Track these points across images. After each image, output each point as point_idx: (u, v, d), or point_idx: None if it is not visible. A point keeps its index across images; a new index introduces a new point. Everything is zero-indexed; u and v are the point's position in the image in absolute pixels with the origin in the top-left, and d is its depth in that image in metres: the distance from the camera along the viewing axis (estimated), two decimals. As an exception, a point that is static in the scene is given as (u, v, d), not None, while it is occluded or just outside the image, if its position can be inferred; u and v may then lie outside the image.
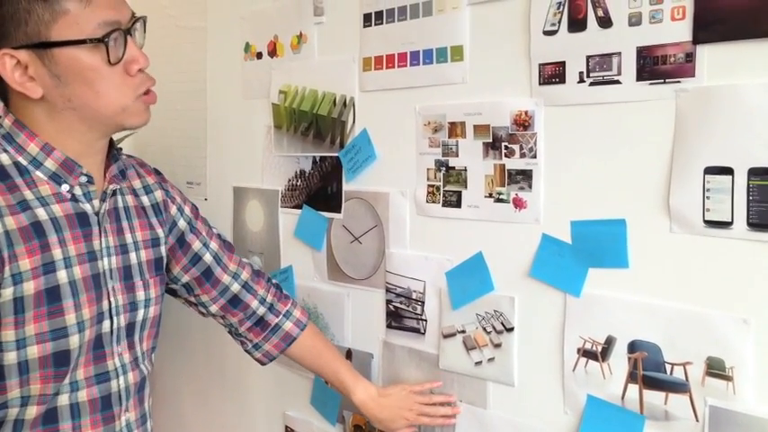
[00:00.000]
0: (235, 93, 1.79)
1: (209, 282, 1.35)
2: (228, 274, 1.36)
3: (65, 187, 1.07)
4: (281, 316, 1.41)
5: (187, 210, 1.34)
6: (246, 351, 1.44)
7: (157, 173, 1.33)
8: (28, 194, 1.03)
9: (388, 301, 1.47)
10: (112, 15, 1.03)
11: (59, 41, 1.00)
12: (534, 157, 1.21)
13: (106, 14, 1.02)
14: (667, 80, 1.04)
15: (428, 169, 1.37)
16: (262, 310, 1.40)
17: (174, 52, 1.96)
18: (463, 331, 1.34)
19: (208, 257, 1.34)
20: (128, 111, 1.07)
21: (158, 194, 1.27)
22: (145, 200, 1.24)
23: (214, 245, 1.36)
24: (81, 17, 1.00)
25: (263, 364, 1.45)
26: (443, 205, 1.35)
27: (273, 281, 1.45)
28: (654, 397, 1.09)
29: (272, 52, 1.67)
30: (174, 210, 1.30)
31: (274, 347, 1.41)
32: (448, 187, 1.34)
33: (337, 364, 1.43)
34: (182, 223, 1.31)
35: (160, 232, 1.24)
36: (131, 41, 1.06)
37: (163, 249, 1.25)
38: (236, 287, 1.37)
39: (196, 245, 1.33)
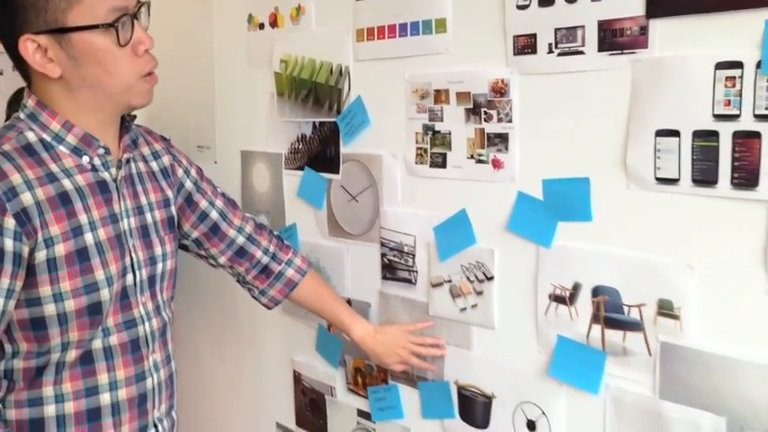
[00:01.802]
0: (240, 62, 1.90)
1: (217, 236, 1.49)
2: (234, 228, 1.51)
3: (85, 159, 1.21)
4: (283, 264, 1.55)
5: (193, 172, 1.47)
6: (254, 297, 1.59)
7: (164, 139, 1.46)
8: (53, 167, 1.17)
9: (383, 255, 1.60)
10: (120, 2, 1.15)
11: (75, 27, 1.13)
12: (510, 121, 1.32)
13: (115, 1, 1.15)
14: (624, 51, 1.15)
15: (416, 133, 1.49)
16: (266, 260, 1.54)
17: (182, 23, 2.06)
18: (449, 281, 1.47)
19: (214, 214, 1.48)
20: (132, 90, 1.20)
21: (166, 159, 1.41)
22: (154, 165, 1.38)
23: (219, 203, 1.50)
24: (93, 4, 1.13)
25: (269, 308, 1.60)
26: (430, 166, 1.47)
27: (275, 233, 1.59)
28: (614, 335, 1.23)
29: (273, 23, 1.78)
30: (180, 172, 1.44)
31: (279, 293, 1.56)
32: (434, 150, 1.46)
33: (337, 305, 1.58)
34: (188, 184, 1.45)
35: (170, 193, 1.39)
36: (138, 25, 1.18)
37: (173, 209, 1.39)
38: (241, 240, 1.51)
39: (203, 203, 1.47)
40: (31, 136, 1.18)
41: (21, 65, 1.18)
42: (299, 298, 1.58)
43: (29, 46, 1.13)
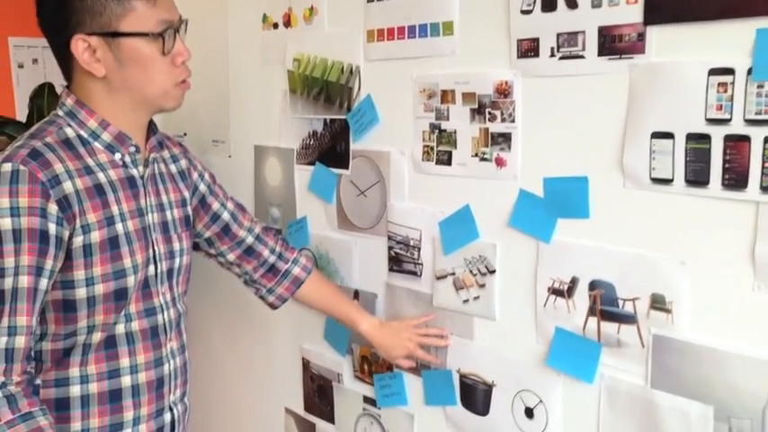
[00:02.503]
0: (254, 60, 1.96)
1: (228, 236, 1.57)
2: (244, 229, 1.59)
3: (117, 155, 1.29)
4: (289, 263, 1.63)
5: (207, 176, 1.56)
6: (260, 296, 1.66)
7: (180, 145, 1.55)
8: (90, 161, 1.25)
9: (390, 248, 1.66)
10: (169, 15, 1.26)
11: (127, 32, 1.22)
12: (513, 121, 1.38)
13: (164, 14, 1.25)
14: (623, 56, 1.20)
15: (423, 131, 1.54)
16: (272, 259, 1.61)
17: (198, 21, 2.11)
18: (453, 273, 1.53)
19: (226, 216, 1.56)
20: (167, 94, 1.30)
21: (183, 163, 1.50)
22: (173, 167, 1.46)
23: (230, 205, 1.59)
24: (146, 14, 1.23)
25: (275, 307, 1.67)
26: (436, 163, 1.53)
27: (280, 235, 1.67)
28: (609, 327, 1.28)
29: (287, 23, 1.84)
30: (195, 176, 1.52)
31: (286, 290, 1.63)
32: (440, 147, 1.52)
33: (343, 301, 1.65)
34: (202, 187, 1.53)
35: (186, 194, 1.47)
36: (179, 38, 1.28)
37: (189, 209, 1.48)
38: (250, 239, 1.59)
39: (215, 205, 1.55)
40: (69, 132, 1.26)
41: (65, 61, 1.27)
42: (305, 295, 1.65)
43: (80, 45, 1.22)
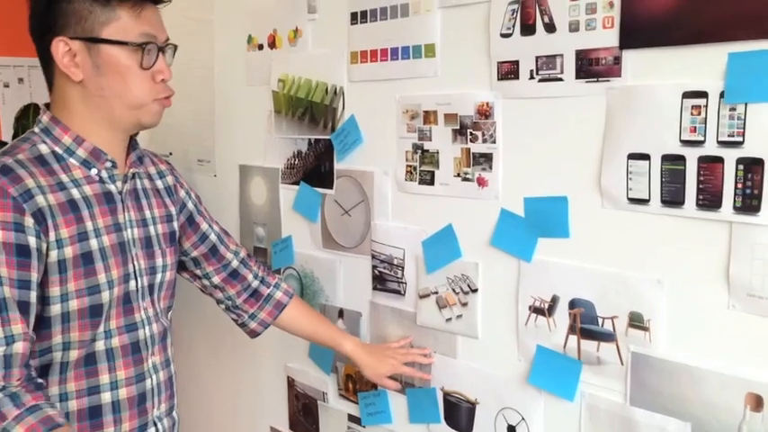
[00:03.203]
0: (239, 80, 1.98)
1: (215, 257, 1.58)
2: (230, 252, 1.60)
3: (93, 171, 1.29)
4: (271, 287, 1.63)
5: (193, 195, 1.57)
6: (241, 324, 1.65)
7: (167, 163, 1.55)
8: (63, 177, 1.25)
9: (374, 267, 1.67)
10: (152, 30, 1.28)
11: (108, 39, 1.24)
12: (494, 142, 1.40)
13: (147, 28, 1.27)
14: (599, 79, 1.23)
15: (406, 151, 1.56)
16: (255, 283, 1.62)
17: (184, 41, 2.13)
18: (436, 292, 1.54)
19: (213, 237, 1.57)
20: (144, 108, 1.30)
21: (170, 179, 1.50)
22: (159, 183, 1.46)
23: (216, 228, 1.60)
24: (129, 25, 1.25)
25: (256, 334, 1.65)
26: (419, 183, 1.55)
27: (261, 261, 1.68)
28: (589, 345, 1.30)
29: (272, 44, 1.86)
30: (182, 193, 1.53)
31: (268, 315, 1.62)
32: (423, 167, 1.54)
33: (327, 324, 1.66)
34: (190, 205, 1.54)
35: (173, 210, 1.47)
36: (162, 57, 1.30)
37: (175, 224, 1.48)
38: (235, 263, 1.60)
39: (203, 225, 1.56)
40: (43, 148, 1.27)
41: (48, 67, 1.28)
42: (287, 321, 1.64)
43: (60, 47, 1.23)
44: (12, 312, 1.16)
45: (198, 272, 1.59)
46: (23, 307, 1.17)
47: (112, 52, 1.25)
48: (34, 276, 1.18)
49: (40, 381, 1.22)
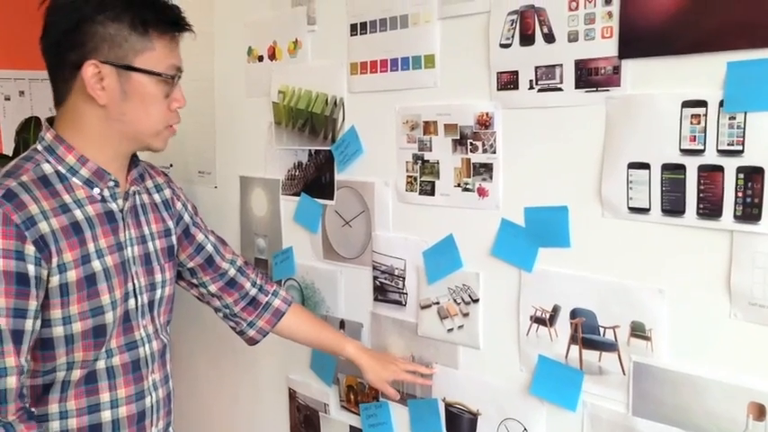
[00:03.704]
0: (240, 92, 1.98)
1: (211, 267, 1.57)
2: (226, 261, 1.59)
3: (96, 191, 1.29)
4: (269, 295, 1.63)
5: (189, 207, 1.57)
6: (239, 332, 1.64)
7: (165, 174, 1.55)
8: (66, 198, 1.24)
9: (375, 278, 1.67)
10: (179, 63, 1.31)
11: (141, 68, 1.25)
12: (494, 152, 1.40)
13: (176, 61, 1.31)
14: (599, 89, 1.23)
15: (407, 162, 1.57)
16: (253, 291, 1.61)
17: (185, 54, 2.14)
18: (437, 303, 1.54)
19: (209, 247, 1.57)
20: (158, 135, 1.33)
21: (167, 192, 1.50)
22: (156, 197, 1.46)
23: (212, 238, 1.59)
24: (162, 56, 1.27)
25: (254, 341, 1.65)
26: (420, 194, 1.55)
27: (259, 269, 1.67)
28: (590, 355, 1.30)
29: (272, 56, 1.87)
30: (179, 205, 1.53)
31: (266, 323, 1.62)
32: (423, 178, 1.54)
33: (327, 328, 1.66)
34: (186, 217, 1.54)
35: (171, 224, 1.47)
36: (179, 86, 1.32)
37: (174, 239, 1.48)
38: (232, 272, 1.59)
39: (199, 236, 1.56)
40: (47, 168, 1.25)
41: (65, 81, 1.26)
42: (287, 328, 1.64)
43: (90, 70, 1.22)
44: (5, 345, 1.15)
45: (194, 281, 1.59)
46: (17, 336, 1.16)
47: (142, 81, 1.26)
48: (32, 305, 1.17)
49: (32, 410, 1.22)
